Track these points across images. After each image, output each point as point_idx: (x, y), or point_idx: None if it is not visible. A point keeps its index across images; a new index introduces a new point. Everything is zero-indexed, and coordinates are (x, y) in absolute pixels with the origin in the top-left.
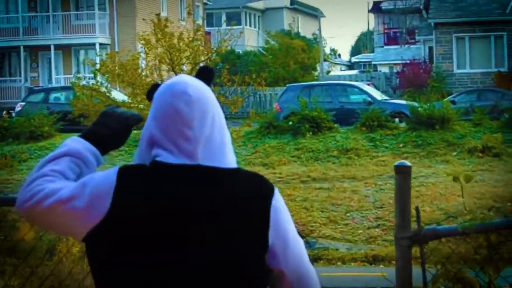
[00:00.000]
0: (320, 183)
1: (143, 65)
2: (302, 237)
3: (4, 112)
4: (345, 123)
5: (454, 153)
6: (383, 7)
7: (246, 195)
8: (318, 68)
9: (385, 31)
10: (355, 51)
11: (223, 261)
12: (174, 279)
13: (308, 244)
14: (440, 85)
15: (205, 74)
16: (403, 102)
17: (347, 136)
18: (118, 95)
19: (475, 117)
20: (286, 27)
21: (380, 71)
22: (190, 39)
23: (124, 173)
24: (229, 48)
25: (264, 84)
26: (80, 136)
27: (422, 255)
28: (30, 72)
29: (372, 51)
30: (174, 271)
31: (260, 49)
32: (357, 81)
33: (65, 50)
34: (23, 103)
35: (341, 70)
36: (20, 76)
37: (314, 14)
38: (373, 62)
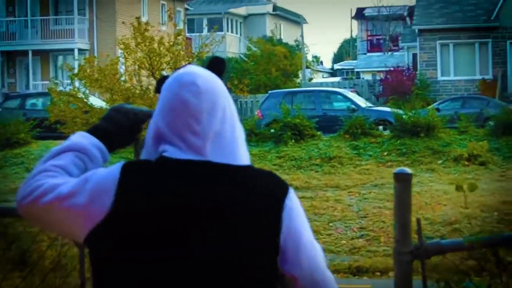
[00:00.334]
0: (303, 192)
1: (122, 70)
2: None
3: None
4: (328, 131)
5: (440, 162)
6: (366, 14)
7: (256, 192)
8: (300, 75)
9: (368, 38)
10: (337, 58)
11: (224, 257)
12: (175, 275)
13: None
14: (424, 93)
15: (217, 65)
16: (387, 109)
17: (330, 144)
18: (96, 101)
19: (461, 124)
20: (268, 34)
21: (363, 78)
22: (171, 43)
23: (128, 168)
24: (210, 53)
25: (246, 90)
26: (86, 131)
27: (424, 271)
28: (7, 78)
29: (355, 58)
30: (175, 267)
31: (241, 55)
32: (339, 88)
33: (43, 55)
34: None
35: (323, 77)
36: None
37: (296, 20)
38: (356, 69)
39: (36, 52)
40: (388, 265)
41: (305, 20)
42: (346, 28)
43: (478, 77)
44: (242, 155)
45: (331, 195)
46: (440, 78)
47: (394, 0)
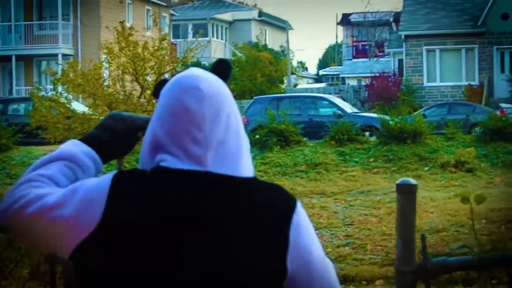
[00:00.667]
0: None
1: (106, 75)
2: None
3: None
4: (314, 137)
5: (426, 168)
6: (352, 20)
7: (261, 205)
8: (285, 81)
9: (354, 43)
10: (322, 64)
11: (219, 271)
12: (166, 287)
13: None
14: (410, 99)
15: (222, 68)
16: (374, 115)
17: (316, 150)
18: (79, 106)
19: (448, 131)
20: (254, 39)
21: (348, 84)
22: (155, 48)
23: (121, 178)
24: (195, 58)
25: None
26: (79, 140)
27: None
28: None
29: (340, 64)
30: (166, 279)
31: None
32: (325, 94)
33: (27, 60)
34: None
35: (308, 83)
36: None
37: (282, 26)
38: (341, 75)
39: (19, 57)
40: (374, 273)
41: (290, 26)
42: (331, 34)
43: (464, 83)
44: (246, 167)
45: (316, 202)
46: (426, 84)
47: (380, 6)
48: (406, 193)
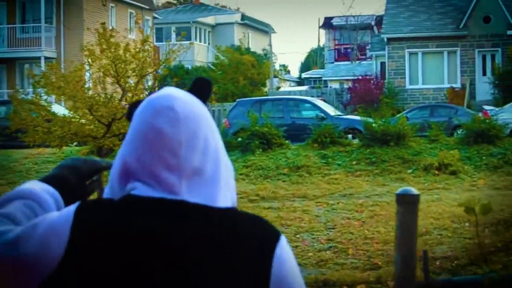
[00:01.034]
0: (270, 202)
1: (88, 78)
2: None
3: None
4: (296, 139)
5: (409, 171)
6: (334, 23)
7: (239, 236)
8: (268, 84)
9: (336, 47)
10: (304, 67)
11: None
12: None
13: None
14: (392, 101)
15: (201, 87)
16: (357, 118)
17: (299, 153)
18: (60, 109)
19: (431, 133)
20: (237, 43)
21: (330, 87)
22: (137, 50)
23: (85, 208)
24: (178, 61)
25: (213, 98)
26: (39, 180)
27: None
28: None
29: (322, 67)
30: None
31: (209, 64)
32: (307, 96)
33: (10, 63)
34: None
35: (291, 86)
36: None
37: (264, 30)
38: (323, 78)
39: (2, 60)
40: (355, 278)
41: (273, 29)
42: (314, 38)
43: (447, 85)
44: (225, 197)
45: (298, 206)
46: (408, 86)
47: (362, 9)
48: (407, 204)
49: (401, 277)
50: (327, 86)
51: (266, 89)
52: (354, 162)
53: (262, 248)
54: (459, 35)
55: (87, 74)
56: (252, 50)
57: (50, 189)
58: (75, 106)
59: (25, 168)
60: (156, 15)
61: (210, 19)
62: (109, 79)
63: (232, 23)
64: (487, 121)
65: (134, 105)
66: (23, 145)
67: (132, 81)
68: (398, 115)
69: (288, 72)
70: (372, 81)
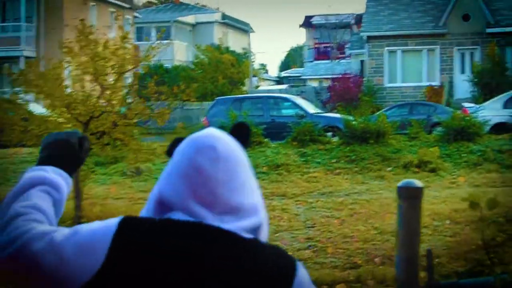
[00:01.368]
0: None
1: (66, 76)
2: None
3: None
4: (276, 138)
5: (389, 169)
6: (314, 22)
7: (263, 263)
8: (247, 83)
9: (315, 46)
10: (284, 66)
11: None
12: None
13: None
14: (371, 99)
15: (240, 130)
16: (336, 115)
17: (278, 151)
18: (37, 108)
19: (411, 130)
20: (217, 42)
21: (310, 85)
22: (117, 47)
23: (128, 222)
24: (157, 60)
25: (193, 95)
26: (38, 164)
27: None
28: None
29: (302, 66)
30: None
31: (189, 63)
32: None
33: None
34: None
35: (270, 85)
36: None
37: (244, 29)
38: (302, 77)
39: None
40: (335, 277)
41: (252, 29)
42: (293, 37)
43: (426, 83)
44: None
45: (277, 204)
46: (387, 84)
47: (342, 8)
48: (410, 198)
49: (404, 280)
50: (306, 85)
51: (245, 88)
52: (334, 160)
53: (282, 276)
54: (439, 33)
55: (66, 72)
56: (231, 49)
57: (56, 169)
58: (52, 104)
59: (2, 168)
60: (136, 14)
61: (190, 18)
62: (87, 77)
63: (212, 22)
64: (467, 118)
65: (176, 142)
66: (0, 144)
67: (111, 78)
68: (377, 113)
69: (267, 71)
70: (351, 79)
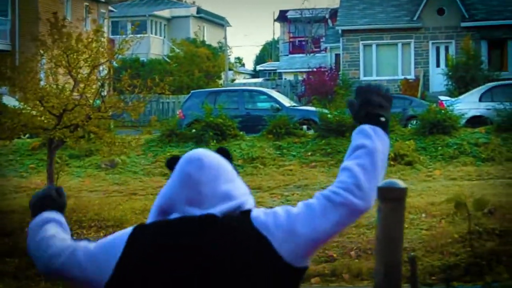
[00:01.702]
0: None
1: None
2: None
3: None
4: (251, 131)
5: None
6: (289, 16)
7: (238, 230)
8: (223, 76)
9: (291, 39)
10: (259, 60)
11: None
12: None
13: None
14: (347, 93)
15: (224, 152)
16: (312, 109)
17: (253, 144)
18: (10, 101)
19: None
20: (192, 36)
21: (285, 79)
22: (90, 40)
23: (140, 226)
24: (133, 53)
25: (167, 88)
26: (38, 210)
27: None
28: None
29: (277, 60)
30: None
31: (165, 57)
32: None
33: None
34: None
35: (245, 78)
36: None
37: (220, 23)
38: (278, 70)
39: None
40: (310, 271)
41: (228, 22)
42: (269, 31)
43: (400, 77)
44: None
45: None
46: (362, 78)
47: (317, 2)
48: (392, 200)
49: None
50: (281, 78)
51: (221, 82)
52: (309, 153)
53: (240, 218)
54: (413, 27)
55: (39, 65)
56: (207, 43)
57: (58, 214)
58: (25, 97)
59: None
60: (111, 8)
61: (166, 13)
62: (61, 70)
63: (187, 17)
64: (443, 111)
65: (173, 159)
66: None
67: (84, 71)
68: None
69: (243, 65)
70: (326, 73)
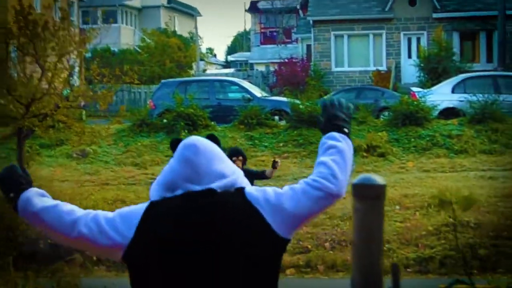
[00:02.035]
0: None
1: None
2: None
3: None
4: (222, 121)
5: None
6: (260, 7)
7: (235, 206)
8: (194, 67)
9: (262, 30)
10: (231, 50)
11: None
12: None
13: None
14: (318, 83)
15: (214, 138)
16: (283, 99)
17: (225, 134)
18: None
19: (359, 115)
20: (163, 26)
21: (256, 69)
22: (56, 28)
23: (155, 202)
24: (103, 42)
25: (136, 78)
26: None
27: None
28: None
29: (249, 51)
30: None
31: (136, 47)
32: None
33: None
34: None
35: (217, 69)
36: None
37: (191, 13)
38: (249, 61)
39: None
40: (284, 262)
41: (199, 13)
42: (240, 21)
43: (372, 68)
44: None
45: None
46: (334, 69)
47: None
48: (371, 198)
49: None
50: (253, 69)
51: (192, 72)
52: (281, 144)
53: (235, 194)
54: (385, 18)
55: (7, 53)
56: (178, 33)
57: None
58: None
59: None
60: None
61: (136, 2)
62: (28, 59)
63: (158, 6)
64: (415, 103)
65: (175, 141)
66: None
67: (51, 60)
68: (325, 97)
69: (215, 55)
70: (298, 64)
